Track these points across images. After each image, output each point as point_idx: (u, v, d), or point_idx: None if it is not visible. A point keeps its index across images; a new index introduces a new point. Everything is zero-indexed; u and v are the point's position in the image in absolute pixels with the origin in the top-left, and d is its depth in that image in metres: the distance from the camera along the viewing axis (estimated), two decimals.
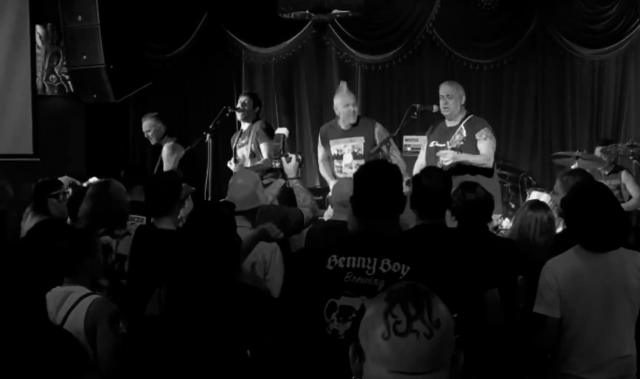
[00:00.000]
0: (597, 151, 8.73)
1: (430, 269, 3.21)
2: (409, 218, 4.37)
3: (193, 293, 3.46)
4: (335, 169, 8.06)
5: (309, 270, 3.30)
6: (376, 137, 7.83)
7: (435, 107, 7.97)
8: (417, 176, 4.58)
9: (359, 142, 7.86)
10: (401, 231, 4.12)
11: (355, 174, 3.48)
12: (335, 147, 8.03)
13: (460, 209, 4.69)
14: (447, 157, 7.35)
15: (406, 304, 1.84)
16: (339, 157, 7.98)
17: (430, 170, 4.73)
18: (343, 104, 7.97)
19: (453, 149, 7.52)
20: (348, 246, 3.27)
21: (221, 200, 5.69)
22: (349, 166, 7.94)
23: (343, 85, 8.29)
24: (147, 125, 8.76)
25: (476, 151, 7.47)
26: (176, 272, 3.54)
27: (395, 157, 7.74)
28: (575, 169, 6.69)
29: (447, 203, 4.40)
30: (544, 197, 8.73)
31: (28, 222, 5.92)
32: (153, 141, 8.81)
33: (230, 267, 3.58)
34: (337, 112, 8.05)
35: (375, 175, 3.42)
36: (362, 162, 7.52)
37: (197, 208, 3.98)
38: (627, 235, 4.01)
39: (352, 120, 7.93)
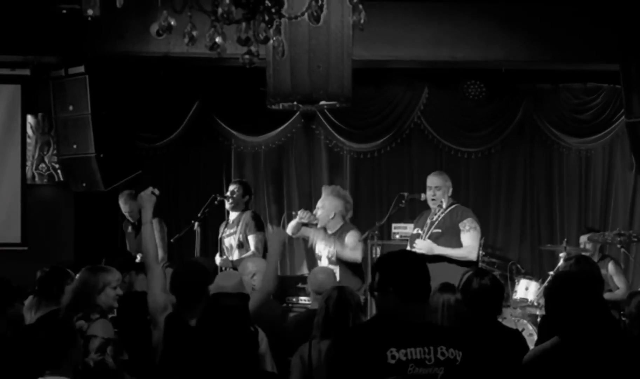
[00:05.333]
0: (582, 239, 8.75)
1: (481, 355, 3.39)
2: None
3: None
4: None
5: (369, 366, 3.25)
6: (346, 241, 7.76)
7: (423, 196, 8.03)
8: (470, 276, 4.79)
9: (333, 249, 7.79)
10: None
11: (395, 264, 3.51)
12: (318, 247, 8.01)
13: (473, 297, 4.72)
14: (422, 248, 7.30)
15: None
16: (319, 257, 7.96)
17: (481, 272, 4.91)
18: (320, 205, 7.98)
19: (429, 237, 7.52)
20: (405, 338, 3.29)
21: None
22: None
23: (324, 189, 8.27)
24: (123, 205, 8.96)
25: (454, 239, 7.46)
26: (193, 365, 3.51)
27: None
28: (577, 256, 6.64)
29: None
30: (533, 285, 8.76)
31: (33, 313, 5.77)
32: (132, 220, 8.97)
33: (246, 358, 3.54)
34: None
35: (416, 261, 3.54)
36: (336, 268, 7.59)
37: (210, 303, 3.90)
38: (608, 329, 3.94)
39: (326, 227, 7.90)
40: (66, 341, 3.81)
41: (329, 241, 7.83)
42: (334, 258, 7.80)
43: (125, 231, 9.57)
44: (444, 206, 7.61)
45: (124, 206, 9.21)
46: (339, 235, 7.81)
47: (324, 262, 7.93)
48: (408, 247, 7.70)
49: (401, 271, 3.44)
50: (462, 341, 3.34)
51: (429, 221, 7.65)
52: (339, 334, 4.58)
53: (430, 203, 7.68)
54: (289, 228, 8.11)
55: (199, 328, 3.73)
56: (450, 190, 7.74)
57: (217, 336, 3.50)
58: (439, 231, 7.54)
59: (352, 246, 7.70)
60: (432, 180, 7.76)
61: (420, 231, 7.67)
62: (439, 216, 7.59)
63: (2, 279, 5.42)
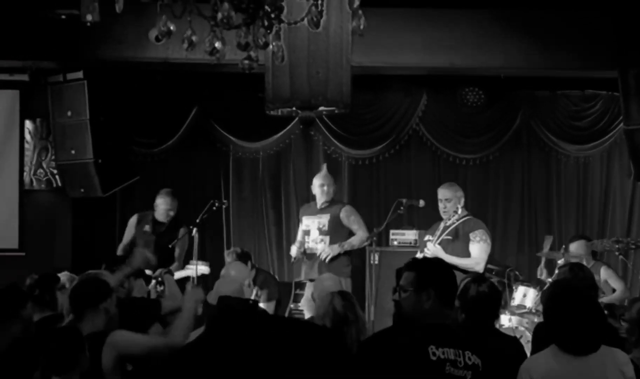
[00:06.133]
0: (572, 247, 8.73)
1: (497, 364, 3.52)
2: None
3: None
4: (305, 245, 8.49)
5: (413, 361, 3.37)
6: (341, 216, 8.13)
7: (421, 202, 8.10)
8: (467, 282, 4.81)
9: (324, 219, 8.11)
10: None
11: (437, 267, 3.66)
12: (305, 222, 8.52)
13: (470, 304, 4.72)
14: (429, 251, 7.36)
15: None
16: (307, 232, 8.24)
17: (480, 278, 4.91)
18: (318, 184, 8.51)
19: (440, 243, 7.55)
20: (442, 337, 3.41)
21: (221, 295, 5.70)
22: (314, 241, 8.43)
23: (323, 167, 8.98)
24: (169, 202, 8.79)
25: (464, 248, 7.48)
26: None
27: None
28: (570, 264, 6.64)
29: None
30: (531, 292, 8.74)
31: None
32: (161, 218, 8.80)
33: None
34: (313, 191, 8.61)
35: (451, 269, 3.70)
36: (327, 238, 8.22)
37: (219, 314, 3.89)
38: (606, 337, 3.94)
39: (324, 198, 8.45)
40: (76, 347, 3.88)
41: (318, 213, 8.46)
42: (325, 228, 8.30)
43: (137, 225, 8.99)
44: (459, 212, 7.65)
45: (166, 203, 8.86)
46: (332, 208, 8.48)
47: (313, 235, 8.34)
48: (418, 253, 7.75)
49: (443, 274, 3.59)
50: (482, 350, 3.47)
51: (442, 225, 7.70)
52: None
53: (443, 215, 7.76)
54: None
55: (208, 332, 3.71)
56: (462, 200, 7.81)
57: (228, 340, 3.48)
58: (450, 238, 7.59)
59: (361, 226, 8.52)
60: (442, 193, 7.84)
61: (431, 237, 7.73)
62: (452, 223, 7.63)
63: (12, 284, 5.48)
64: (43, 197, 10.12)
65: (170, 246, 8.69)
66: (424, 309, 3.48)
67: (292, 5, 4.43)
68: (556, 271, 8.12)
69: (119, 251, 8.72)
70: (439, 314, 3.48)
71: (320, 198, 8.51)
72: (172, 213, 8.84)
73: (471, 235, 7.57)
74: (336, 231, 8.40)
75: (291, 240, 10.45)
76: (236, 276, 5.55)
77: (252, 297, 6.35)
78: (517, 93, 10.38)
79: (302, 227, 8.61)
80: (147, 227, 8.91)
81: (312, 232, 8.47)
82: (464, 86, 10.17)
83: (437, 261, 3.76)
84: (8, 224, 9.87)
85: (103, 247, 10.08)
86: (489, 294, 4.79)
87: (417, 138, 10.58)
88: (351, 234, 8.54)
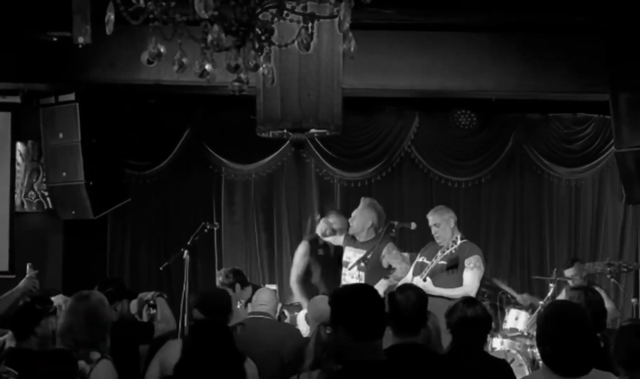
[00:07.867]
0: (567, 273, 8.73)
1: None
2: None
3: None
4: (342, 277, 8.20)
5: None
6: (384, 252, 7.99)
7: (413, 225, 8.07)
8: (392, 292, 4.54)
9: (367, 257, 7.94)
10: None
11: (347, 299, 3.44)
12: (346, 254, 8.25)
13: (457, 325, 4.69)
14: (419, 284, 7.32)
15: None
16: (346, 264, 8.09)
17: (405, 286, 4.71)
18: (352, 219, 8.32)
19: (435, 267, 7.52)
20: (357, 376, 3.24)
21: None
22: (351, 275, 8.16)
23: (362, 201, 8.60)
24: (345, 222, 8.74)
25: (458, 275, 7.46)
26: None
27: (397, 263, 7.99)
28: (584, 287, 6.60)
29: (422, 320, 4.35)
30: (523, 315, 8.74)
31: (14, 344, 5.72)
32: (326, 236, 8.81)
33: None
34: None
35: (370, 296, 3.44)
36: (362, 273, 7.89)
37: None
38: (598, 359, 3.91)
39: (357, 236, 8.23)
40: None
41: (360, 250, 8.09)
42: (362, 264, 7.98)
43: (311, 252, 8.94)
44: (458, 239, 7.61)
45: (342, 223, 8.84)
46: (371, 246, 8.01)
47: (354, 270, 8.09)
48: (410, 273, 7.72)
49: (353, 307, 3.35)
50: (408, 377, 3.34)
51: (439, 253, 7.63)
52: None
53: (437, 240, 7.73)
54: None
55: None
56: (452, 221, 7.77)
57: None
58: (445, 263, 7.57)
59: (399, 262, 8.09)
60: (431, 219, 7.84)
61: (426, 261, 7.68)
62: (450, 251, 7.60)
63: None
64: (34, 219, 10.09)
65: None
66: (342, 345, 3.30)
67: (282, 28, 4.42)
68: (563, 292, 8.11)
69: (298, 283, 8.68)
70: (354, 350, 3.28)
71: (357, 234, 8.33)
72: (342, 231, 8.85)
73: (466, 261, 7.55)
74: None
75: (283, 262, 10.45)
76: (267, 300, 5.74)
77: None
78: (509, 116, 10.41)
79: (344, 257, 8.35)
80: (320, 251, 8.90)
81: (351, 268, 8.19)
82: (456, 109, 10.20)
83: (351, 292, 3.50)
84: None
85: (94, 269, 10.05)
86: (476, 317, 4.75)
87: (409, 161, 10.59)
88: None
